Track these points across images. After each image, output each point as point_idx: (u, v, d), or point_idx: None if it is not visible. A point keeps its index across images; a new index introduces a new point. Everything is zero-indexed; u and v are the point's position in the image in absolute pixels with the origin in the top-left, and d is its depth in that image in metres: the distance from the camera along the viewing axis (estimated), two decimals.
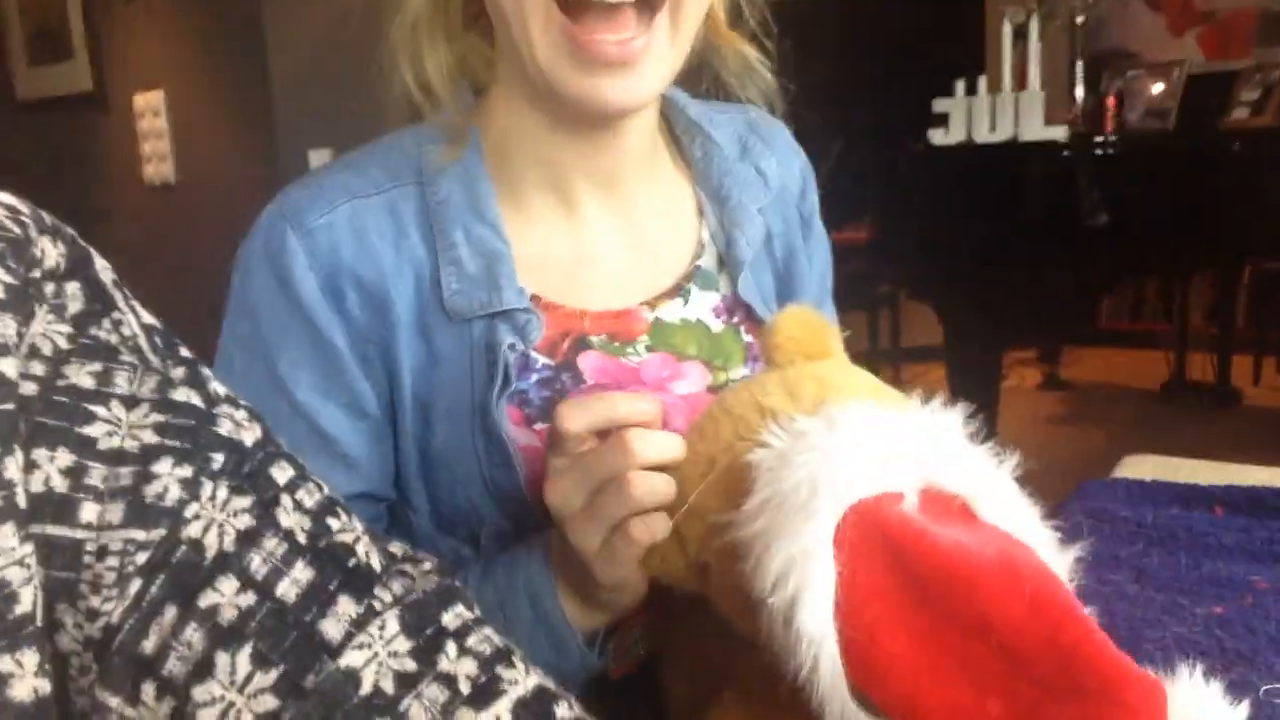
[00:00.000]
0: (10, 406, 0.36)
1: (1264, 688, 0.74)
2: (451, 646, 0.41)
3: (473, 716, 0.39)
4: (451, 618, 0.42)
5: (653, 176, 0.80)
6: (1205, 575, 0.91)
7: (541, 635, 0.64)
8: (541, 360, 0.73)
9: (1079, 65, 3.03)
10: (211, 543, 0.38)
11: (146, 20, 2.82)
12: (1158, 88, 3.21)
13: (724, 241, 0.80)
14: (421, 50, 0.73)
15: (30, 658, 0.34)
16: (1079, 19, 3.13)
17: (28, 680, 0.34)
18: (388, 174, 0.72)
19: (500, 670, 0.41)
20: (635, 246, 0.78)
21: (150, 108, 2.86)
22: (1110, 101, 3.12)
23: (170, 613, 0.37)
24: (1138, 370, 4.59)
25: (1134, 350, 4.79)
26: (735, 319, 0.79)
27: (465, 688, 0.39)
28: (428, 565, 0.45)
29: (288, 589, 0.39)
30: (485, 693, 0.40)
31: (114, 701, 0.38)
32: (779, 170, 0.84)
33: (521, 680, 0.41)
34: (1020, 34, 2.87)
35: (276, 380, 0.70)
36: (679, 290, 0.78)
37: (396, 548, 0.45)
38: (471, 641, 0.42)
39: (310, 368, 0.70)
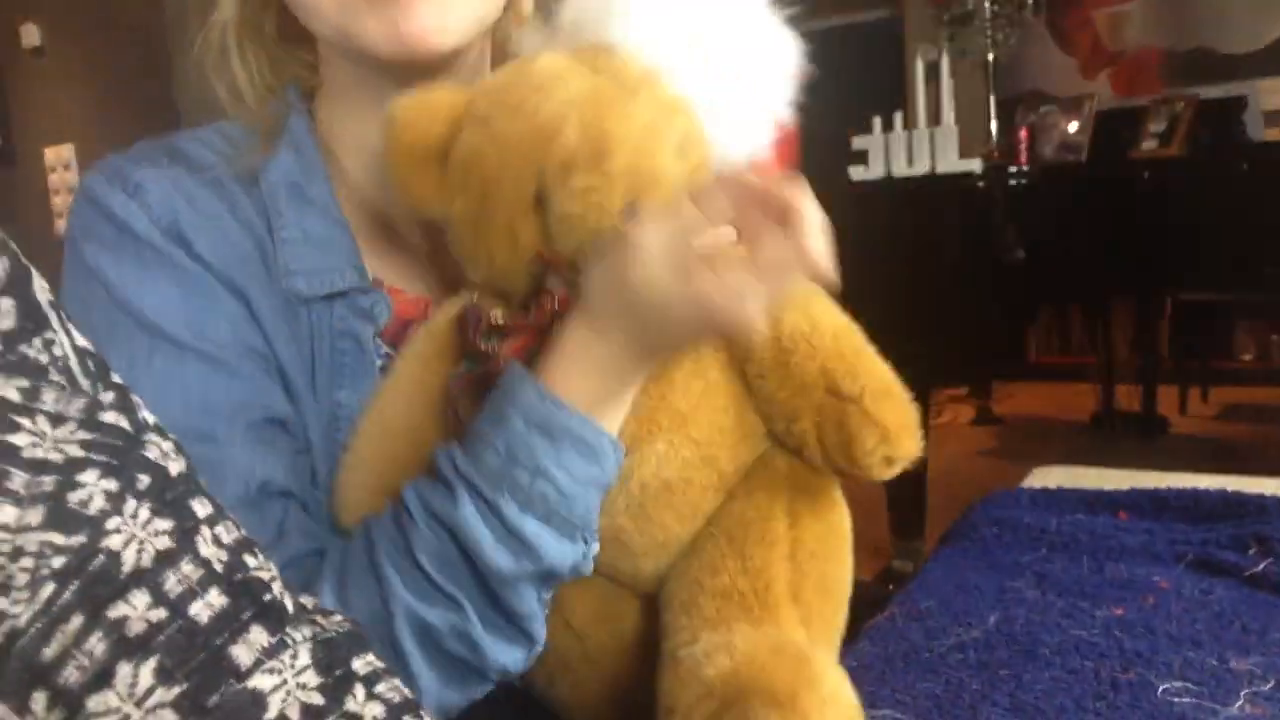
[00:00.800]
0: None
1: (1161, 687, 0.73)
2: (360, 690, 0.40)
3: None
4: (362, 664, 0.42)
5: None
6: (1107, 578, 0.90)
7: (570, 452, 0.57)
8: (384, 349, 0.70)
9: (992, 101, 3.09)
10: (129, 557, 0.38)
11: (55, 75, 2.78)
12: (1070, 123, 3.28)
13: None
14: (230, 59, 0.71)
15: None
16: (990, 56, 3.19)
17: None
18: (204, 161, 0.69)
19: (407, 719, 0.41)
20: None
21: (61, 161, 2.80)
22: (1024, 135, 3.18)
23: (76, 621, 0.36)
24: (1067, 403, 4.65)
25: (1064, 384, 4.86)
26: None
27: None
28: (338, 617, 0.44)
29: (200, 610, 0.38)
30: None
31: None
32: None
33: None
34: (934, 72, 2.93)
35: (148, 326, 0.63)
36: None
37: (307, 600, 0.44)
38: (380, 689, 0.41)
39: (178, 303, 0.64)
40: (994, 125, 3.16)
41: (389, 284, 0.72)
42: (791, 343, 0.63)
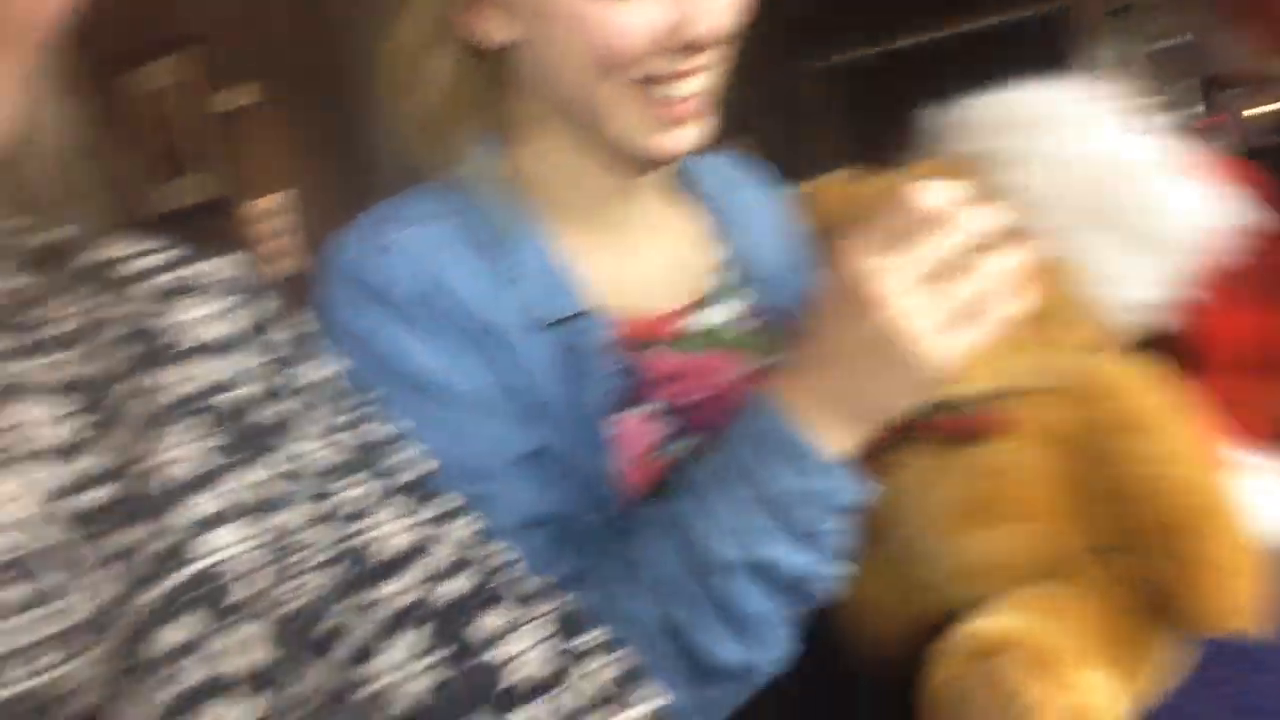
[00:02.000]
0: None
1: None
2: (594, 657, 0.46)
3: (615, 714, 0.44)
4: (595, 635, 0.48)
5: (671, 198, 0.86)
6: None
7: (780, 464, 0.63)
8: (623, 362, 0.76)
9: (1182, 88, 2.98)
10: (391, 546, 0.44)
11: (262, 128, 2.97)
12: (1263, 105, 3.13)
13: (738, 256, 0.86)
14: (444, 125, 0.76)
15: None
16: (1165, 43, 3.09)
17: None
18: (438, 211, 0.75)
19: (640, 684, 0.46)
20: (667, 261, 0.84)
21: (270, 209, 2.99)
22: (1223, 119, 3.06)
23: (347, 600, 0.42)
24: None
25: None
26: (765, 320, 0.85)
27: (607, 691, 0.45)
28: (572, 596, 0.50)
29: (451, 590, 0.44)
30: (623, 698, 0.45)
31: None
32: (764, 193, 0.93)
33: (658, 697, 0.46)
34: (1111, 62, 2.85)
35: (412, 382, 0.69)
36: (710, 299, 0.83)
37: (545, 581, 0.50)
38: (612, 656, 0.47)
39: (440, 356, 0.70)
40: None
41: (621, 303, 0.77)
42: (1137, 472, 0.61)
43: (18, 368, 0.39)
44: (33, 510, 0.36)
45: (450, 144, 0.76)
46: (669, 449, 0.75)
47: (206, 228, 3.17)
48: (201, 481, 0.41)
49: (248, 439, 0.43)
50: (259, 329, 0.46)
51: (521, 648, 0.44)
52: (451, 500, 0.49)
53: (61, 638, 0.35)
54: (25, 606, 0.35)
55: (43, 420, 0.39)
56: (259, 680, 0.38)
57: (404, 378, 0.69)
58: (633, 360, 0.76)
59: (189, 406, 0.42)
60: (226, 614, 0.38)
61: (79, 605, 0.36)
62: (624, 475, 0.72)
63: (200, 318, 0.44)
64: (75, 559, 0.37)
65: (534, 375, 0.71)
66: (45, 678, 0.34)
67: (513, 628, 0.45)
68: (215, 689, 0.36)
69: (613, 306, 0.77)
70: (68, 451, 0.39)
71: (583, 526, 0.71)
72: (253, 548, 0.40)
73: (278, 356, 0.46)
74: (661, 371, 0.77)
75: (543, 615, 0.46)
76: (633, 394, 0.75)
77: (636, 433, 0.74)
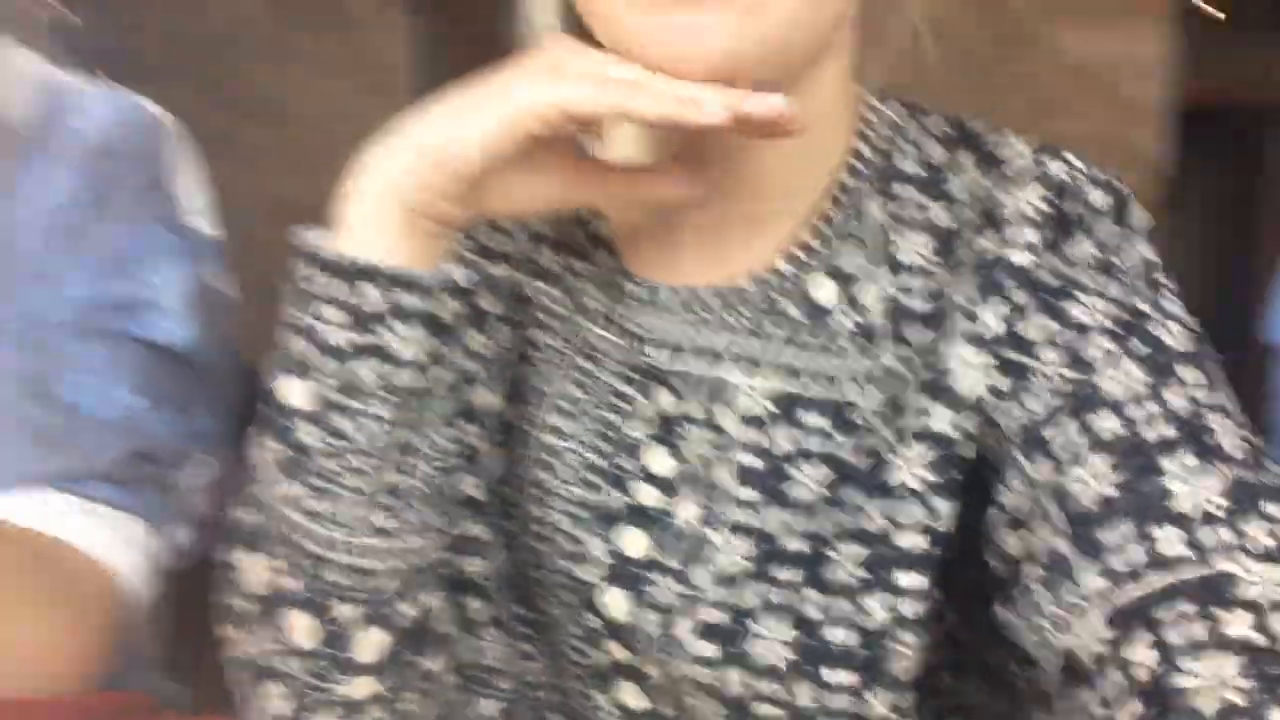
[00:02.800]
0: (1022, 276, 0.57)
1: None
2: (1260, 520, 0.48)
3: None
4: (1274, 509, 0.49)
5: None
6: None
7: None
8: None
9: None
10: (1110, 391, 0.53)
11: None
12: None
13: None
14: None
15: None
16: None
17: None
18: None
19: None
20: None
21: None
22: None
23: (1068, 421, 0.53)
24: None
25: None
26: None
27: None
28: (1275, 471, 0.53)
29: (1151, 434, 0.51)
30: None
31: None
32: None
33: None
34: None
35: None
36: None
37: (1249, 453, 0.54)
38: None
39: None
40: None
41: None
42: None
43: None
44: None
45: None
46: None
47: None
48: None
49: None
50: None
51: (1188, 490, 0.49)
52: (1192, 373, 0.56)
53: None
54: None
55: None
56: None
57: None
58: None
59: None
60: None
61: None
62: None
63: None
64: None
65: None
66: None
67: (1190, 474, 0.50)
68: None
69: None
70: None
71: None
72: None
73: None
74: None
75: (1223, 476, 0.50)
76: None
77: None
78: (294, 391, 0.52)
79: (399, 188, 0.52)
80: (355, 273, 0.51)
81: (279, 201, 2.66)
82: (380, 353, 0.51)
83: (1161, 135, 2.12)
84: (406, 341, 0.51)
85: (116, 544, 0.71)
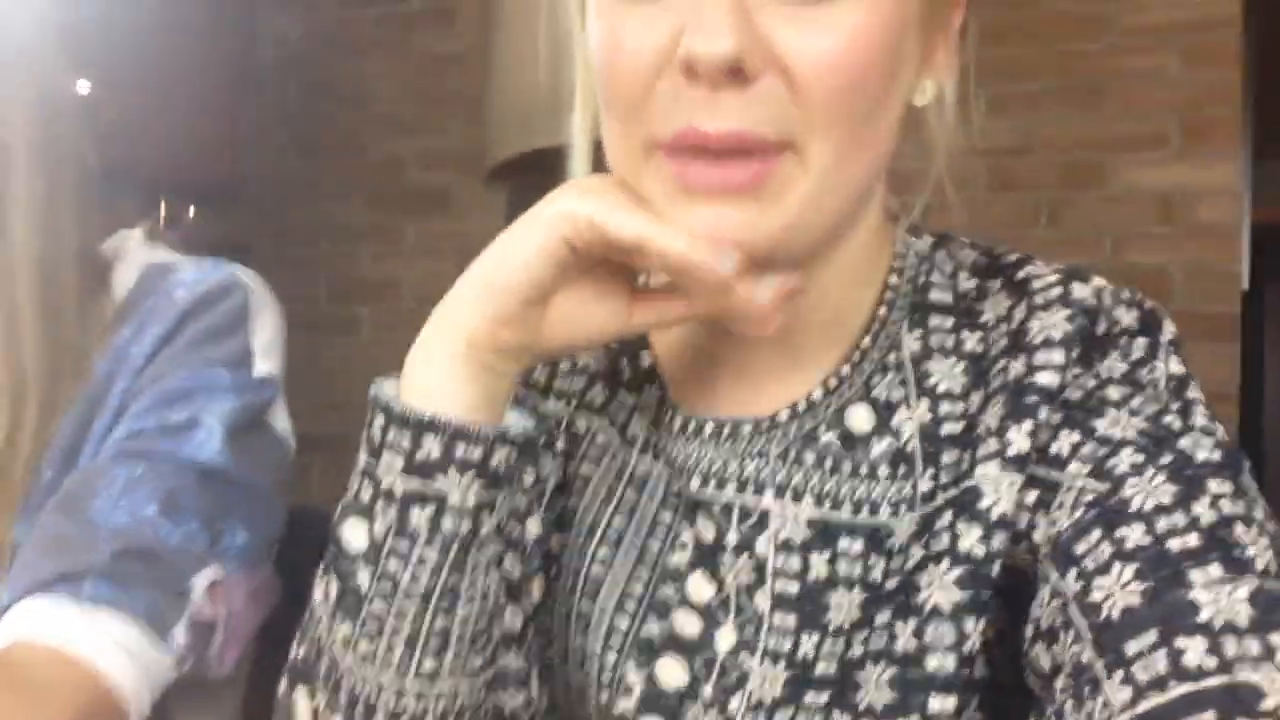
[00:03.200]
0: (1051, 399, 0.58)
1: None
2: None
3: None
4: None
5: None
6: None
7: None
8: None
9: None
10: (1136, 503, 0.52)
11: None
12: None
13: None
14: None
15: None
16: None
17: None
18: None
19: None
20: None
21: None
22: None
23: (1095, 533, 0.53)
24: None
25: None
26: None
27: None
28: None
29: (1176, 544, 0.50)
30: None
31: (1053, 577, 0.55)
32: None
33: None
34: None
35: None
36: None
37: (1273, 564, 0.53)
38: None
39: None
40: None
41: None
42: None
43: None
44: None
45: None
46: None
47: None
48: None
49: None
50: None
51: (1213, 598, 0.48)
52: (1222, 484, 0.55)
53: None
54: None
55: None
56: None
57: None
58: None
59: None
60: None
61: None
62: None
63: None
64: None
65: None
66: None
67: (1216, 584, 0.49)
68: None
69: None
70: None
71: None
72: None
73: None
74: None
75: (1248, 586, 0.49)
76: None
77: None
78: (353, 533, 0.54)
79: (457, 323, 0.54)
80: (417, 424, 0.53)
81: (381, 373, 2.81)
82: (435, 499, 0.53)
83: (1238, 257, 2.12)
84: (461, 490, 0.53)
85: (104, 643, 0.71)
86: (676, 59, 0.50)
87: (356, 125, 2.86)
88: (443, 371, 0.54)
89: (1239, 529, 0.50)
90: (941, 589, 0.57)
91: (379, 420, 0.54)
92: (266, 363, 0.88)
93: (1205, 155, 2.14)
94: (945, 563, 0.57)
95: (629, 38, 0.52)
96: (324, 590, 0.56)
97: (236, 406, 0.83)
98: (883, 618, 0.58)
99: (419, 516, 0.53)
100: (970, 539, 0.57)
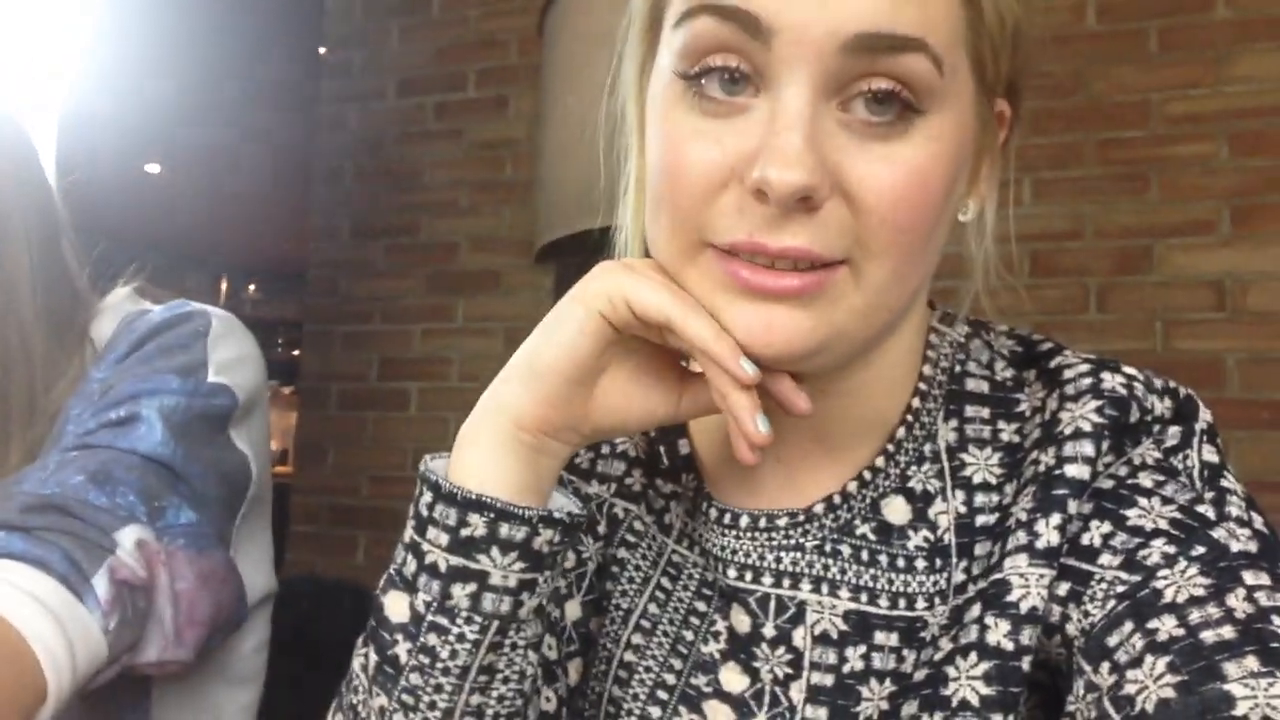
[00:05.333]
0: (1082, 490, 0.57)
1: None
2: None
3: None
4: None
5: None
6: None
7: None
8: None
9: None
10: (1169, 595, 0.52)
11: None
12: None
13: None
14: None
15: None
16: None
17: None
18: None
19: None
20: None
21: None
22: None
23: (1128, 625, 0.51)
24: None
25: None
26: None
27: None
28: None
29: (1210, 637, 0.49)
30: None
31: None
32: None
33: None
34: None
35: None
36: None
37: None
38: None
39: None
40: None
41: None
42: None
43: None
44: None
45: None
46: None
47: None
48: None
49: None
50: None
51: (1250, 693, 0.47)
52: (1258, 576, 0.54)
53: None
54: None
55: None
56: None
57: None
58: None
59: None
60: None
61: None
62: None
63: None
64: None
65: None
66: None
67: (1253, 677, 0.47)
68: None
69: None
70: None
71: None
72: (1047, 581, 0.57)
73: None
74: None
75: None
76: None
77: None
78: (394, 605, 0.54)
79: (504, 406, 0.55)
80: (464, 502, 0.53)
81: (428, 448, 2.83)
82: (477, 576, 0.53)
83: None
84: (503, 570, 0.53)
85: (9, 590, 0.67)
86: (749, 182, 0.50)
87: (412, 208, 2.93)
88: (490, 452, 0.55)
89: (1276, 621, 0.49)
90: (970, 683, 0.55)
91: (426, 496, 0.54)
92: (223, 376, 0.87)
93: (1255, 240, 2.13)
94: (973, 656, 0.56)
95: (697, 149, 0.52)
96: (363, 660, 0.56)
97: (180, 405, 0.82)
98: (910, 709, 0.57)
99: (460, 593, 0.53)
100: (999, 633, 0.56)
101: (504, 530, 0.53)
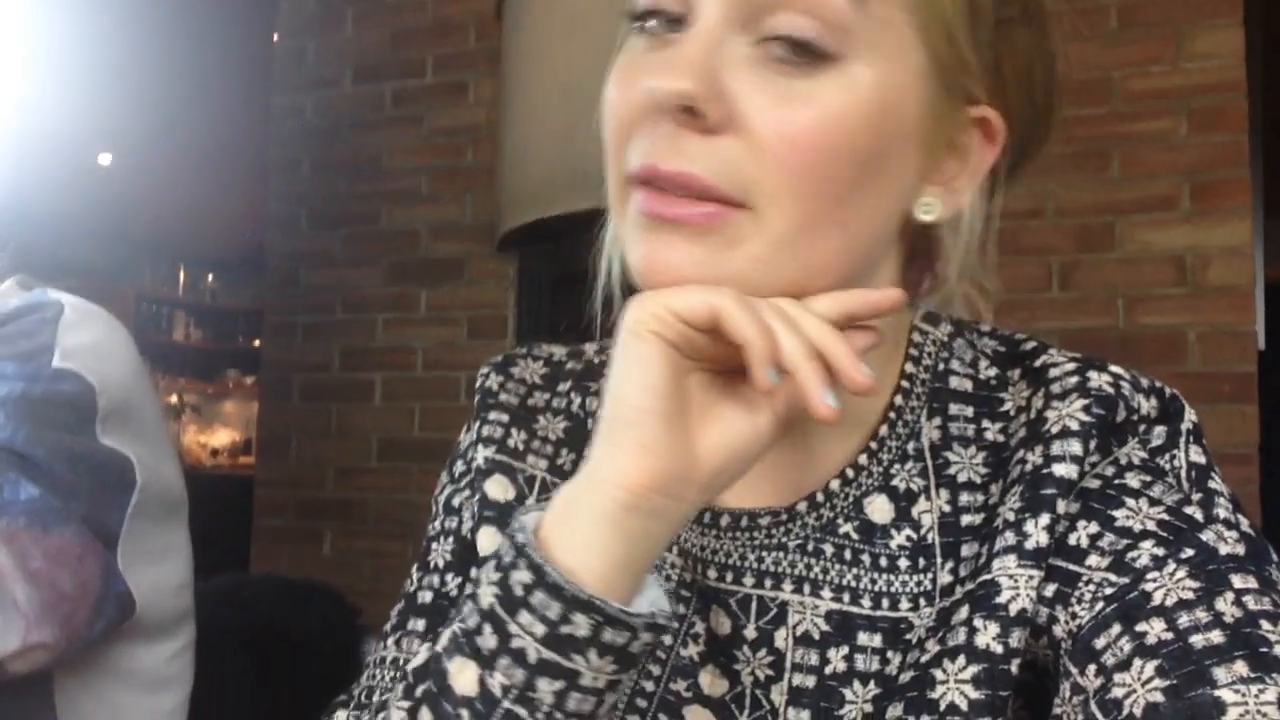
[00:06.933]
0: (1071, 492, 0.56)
1: None
2: None
3: None
4: None
5: None
6: None
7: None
8: None
9: None
10: (1157, 598, 0.51)
11: None
12: None
13: None
14: None
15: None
16: None
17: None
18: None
19: None
20: None
21: None
22: None
23: (1115, 628, 0.51)
24: None
25: None
26: None
27: None
28: None
29: (1199, 641, 0.49)
30: None
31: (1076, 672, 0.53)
32: None
33: None
34: None
35: None
36: None
37: None
38: None
39: None
40: None
41: None
42: None
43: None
44: None
45: None
46: None
47: None
48: None
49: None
50: None
51: (1240, 699, 0.47)
52: (1245, 580, 0.53)
53: None
54: None
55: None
56: None
57: None
58: None
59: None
60: None
61: None
62: None
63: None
64: None
65: None
66: None
67: (1243, 683, 0.47)
68: None
69: None
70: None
71: None
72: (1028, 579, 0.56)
73: None
74: None
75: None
76: None
77: None
78: (462, 675, 0.50)
79: (603, 469, 0.50)
80: (573, 600, 0.48)
81: (393, 439, 2.80)
82: (568, 675, 0.49)
83: (1253, 317, 2.12)
84: (595, 671, 0.49)
85: None
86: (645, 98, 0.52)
87: (371, 197, 2.90)
88: (593, 527, 0.50)
89: (1265, 625, 0.49)
90: (958, 686, 0.54)
91: (524, 574, 0.49)
92: (70, 362, 0.87)
93: (1216, 216, 2.15)
94: (961, 659, 0.55)
95: (623, 84, 0.54)
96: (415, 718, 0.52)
97: (17, 387, 0.82)
98: (894, 711, 0.56)
99: (546, 689, 0.49)
100: (987, 635, 0.54)
101: (607, 635, 0.49)
